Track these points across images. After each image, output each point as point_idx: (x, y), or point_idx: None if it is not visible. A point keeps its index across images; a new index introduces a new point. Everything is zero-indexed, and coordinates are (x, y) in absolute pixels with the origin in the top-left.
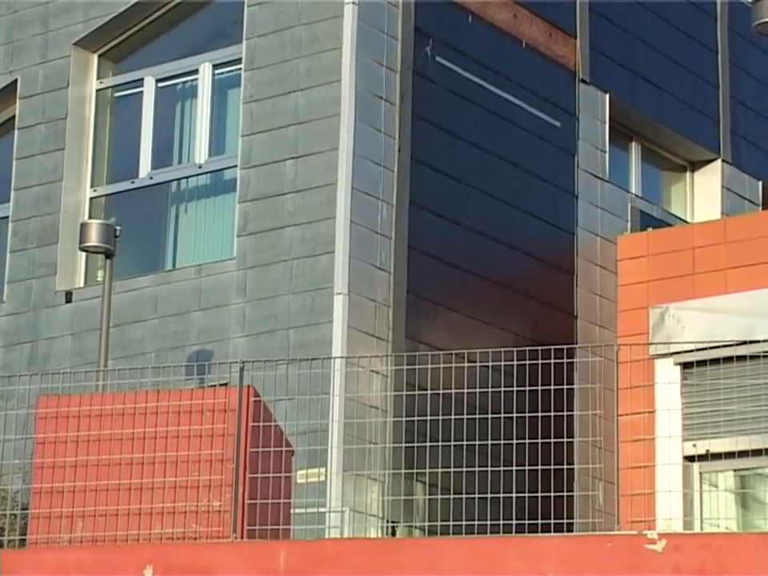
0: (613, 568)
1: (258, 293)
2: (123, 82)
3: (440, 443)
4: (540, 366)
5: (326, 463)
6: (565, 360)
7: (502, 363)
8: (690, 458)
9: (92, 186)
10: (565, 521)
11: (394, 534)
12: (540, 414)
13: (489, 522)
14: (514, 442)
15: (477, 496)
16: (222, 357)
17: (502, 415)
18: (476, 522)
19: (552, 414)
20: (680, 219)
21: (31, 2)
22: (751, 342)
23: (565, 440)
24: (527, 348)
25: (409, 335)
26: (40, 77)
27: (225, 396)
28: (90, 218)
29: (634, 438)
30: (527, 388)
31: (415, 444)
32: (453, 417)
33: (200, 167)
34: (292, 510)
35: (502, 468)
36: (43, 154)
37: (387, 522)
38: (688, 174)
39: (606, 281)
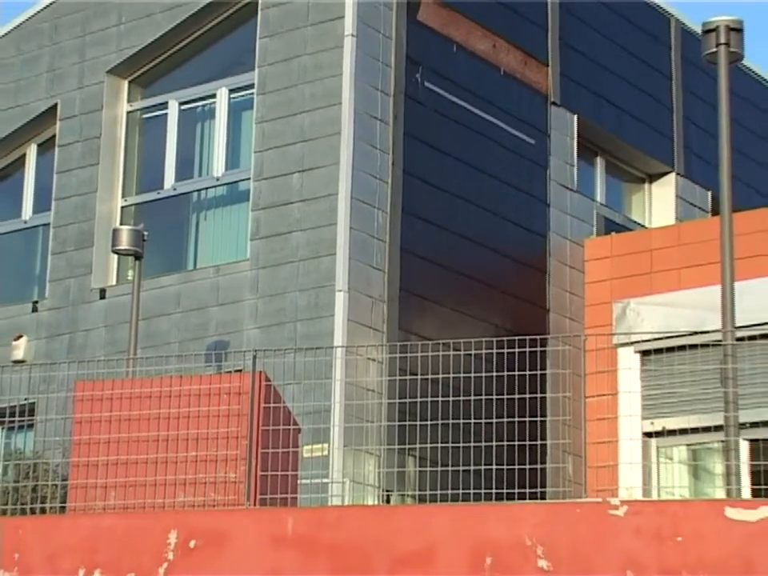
0: (580, 531)
1: (268, 290)
2: (150, 105)
3: (429, 422)
4: (517, 354)
5: (328, 439)
6: (538, 349)
7: (484, 352)
8: (648, 435)
9: (123, 196)
10: (539, 490)
11: (388, 501)
12: (517, 397)
13: (472, 491)
14: (494, 420)
15: (461, 468)
16: (237, 346)
17: (484, 397)
18: (460, 491)
19: (527, 396)
20: (639, 225)
21: (70, 34)
22: (702, 332)
23: (538, 419)
24: (505, 338)
25: (401, 327)
26: (77, 101)
27: (239, 381)
28: (121, 224)
29: (599, 417)
30: (506, 373)
31: (407, 422)
32: (440, 399)
33: (217, 179)
34: (299, 481)
35: (483, 444)
36: (80, 168)
37: (382, 491)
38: (646, 185)
39: (575, 279)
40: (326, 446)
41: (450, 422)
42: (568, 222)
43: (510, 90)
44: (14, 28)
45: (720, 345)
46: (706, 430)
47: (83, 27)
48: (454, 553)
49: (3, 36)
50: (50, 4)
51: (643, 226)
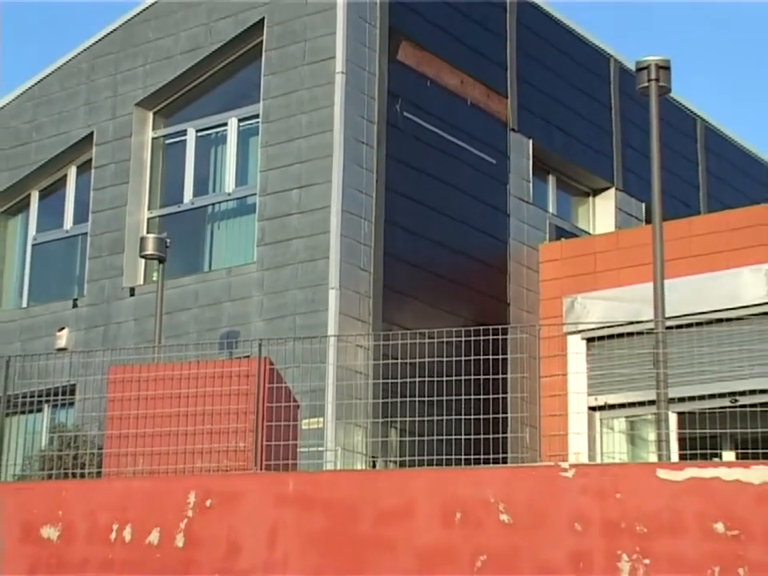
0: (536, 490)
1: (272, 288)
2: (171, 132)
3: (408, 399)
4: (482, 341)
5: (323, 414)
6: (500, 337)
7: (454, 339)
8: (592, 408)
9: (149, 209)
10: (501, 456)
11: (374, 466)
12: (482, 377)
13: (444, 457)
14: (463, 398)
15: (436, 438)
16: (245, 336)
17: (454, 378)
18: (435, 457)
19: (491, 377)
20: (585, 231)
21: (104, 73)
22: (637, 322)
23: (500, 396)
24: (472, 328)
25: (384, 319)
26: (110, 129)
27: (247, 365)
28: (147, 233)
29: (551, 394)
30: (473, 358)
31: (389, 400)
32: (417, 379)
33: (229, 195)
34: (298, 449)
35: (454, 417)
36: (112, 186)
37: (369, 457)
38: (590, 198)
39: (531, 278)
40: (321, 419)
41: (426, 399)
42: (525, 230)
43: (475, 118)
44: (57, 68)
45: (652, 333)
46: (641, 404)
47: (115, 67)
48: (429, 509)
49: (48, 75)
50: (87, 48)
51: (588, 232)
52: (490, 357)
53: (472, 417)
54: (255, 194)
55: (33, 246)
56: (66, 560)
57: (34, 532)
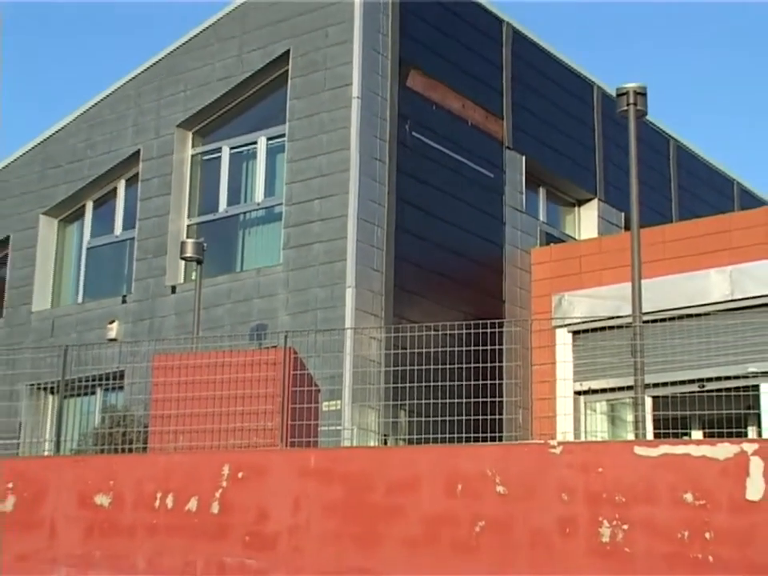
0: (528, 465)
1: (296, 286)
2: (208, 149)
3: (415, 384)
4: (481, 333)
5: (341, 397)
6: (497, 330)
7: (456, 332)
8: (578, 393)
9: (188, 217)
10: (497, 434)
11: (386, 443)
12: (481, 365)
13: (447, 436)
14: (464, 383)
15: (439, 419)
16: (273, 328)
17: (456, 366)
18: (439, 436)
19: (488, 365)
20: (571, 237)
21: (149, 98)
22: (617, 317)
23: (497, 382)
24: (472, 322)
25: (395, 314)
26: (155, 147)
27: (274, 354)
28: (186, 238)
29: (542, 380)
30: (473, 348)
31: (399, 385)
32: (424, 367)
33: (258, 204)
34: (319, 428)
35: (456, 400)
36: (157, 197)
37: (381, 435)
38: (576, 208)
39: (524, 278)
40: (338, 402)
41: (432, 384)
42: (518, 236)
43: (475, 137)
44: (108, 94)
45: (631, 326)
46: (621, 389)
47: (159, 93)
48: (434, 482)
49: (100, 100)
50: (134, 77)
51: (574, 238)
52: (488, 347)
53: (472, 400)
54: (281, 204)
55: (87, 249)
56: (116, 524)
57: (88, 499)
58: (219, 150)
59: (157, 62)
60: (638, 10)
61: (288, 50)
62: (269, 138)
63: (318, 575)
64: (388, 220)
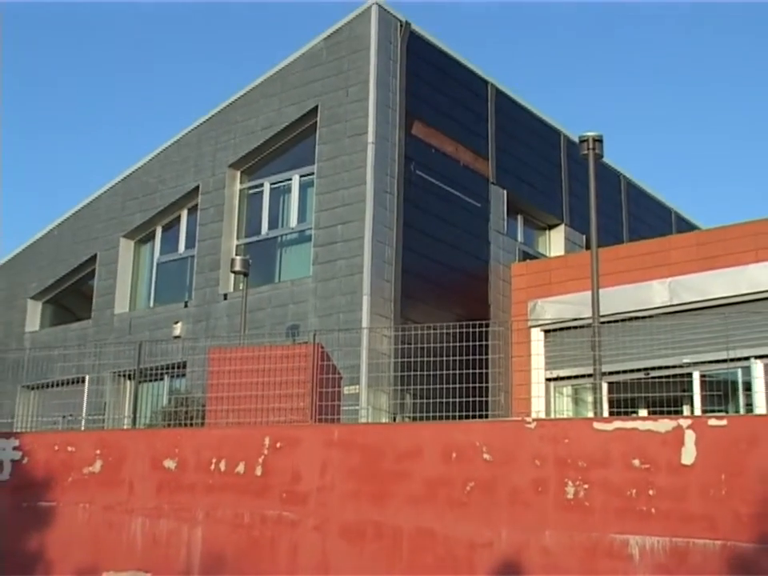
0: (508, 437)
1: (323, 294)
2: (253, 185)
3: (418, 373)
4: (471, 332)
5: (359, 383)
6: (484, 329)
7: (451, 331)
8: (548, 380)
9: (237, 239)
10: (484, 413)
11: (394, 420)
12: (471, 357)
13: (444, 414)
14: (458, 371)
15: (438, 400)
16: (304, 328)
17: (452, 358)
18: (437, 414)
19: (477, 357)
20: (543, 255)
21: (207, 144)
22: (580, 319)
23: (484, 371)
24: (464, 322)
25: (402, 316)
26: (211, 183)
27: (306, 349)
28: (235, 255)
29: (520, 369)
30: (464, 344)
31: (405, 373)
32: (425, 359)
33: (292, 228)
34: (341, 408)
35: (451, 385)
36: (212, 222)
37: (391, 414)
38: (547, 231)
39: (505, 287)
40: (357, 387)
41: (432, 373)
42: (501, 254)
43: (466, 175)
44: (175, 141)
45: (590, 326)
46: (583, 376)
47: (215, 140)
48: (433, 451)
49: (169, 145)
50: (195, 127)
51: (545, 255)
52: (477, 343)
53: (464, 385)
54: (311, 228)
55: (157, 264)
56: (181, 483)
57: (158, 463)
58: (261, 185)
59: (213, 115)
60: (600, 68)
61: (317, 106)
62: (301, 176)
63: (340, 525)
64: (396, 241)
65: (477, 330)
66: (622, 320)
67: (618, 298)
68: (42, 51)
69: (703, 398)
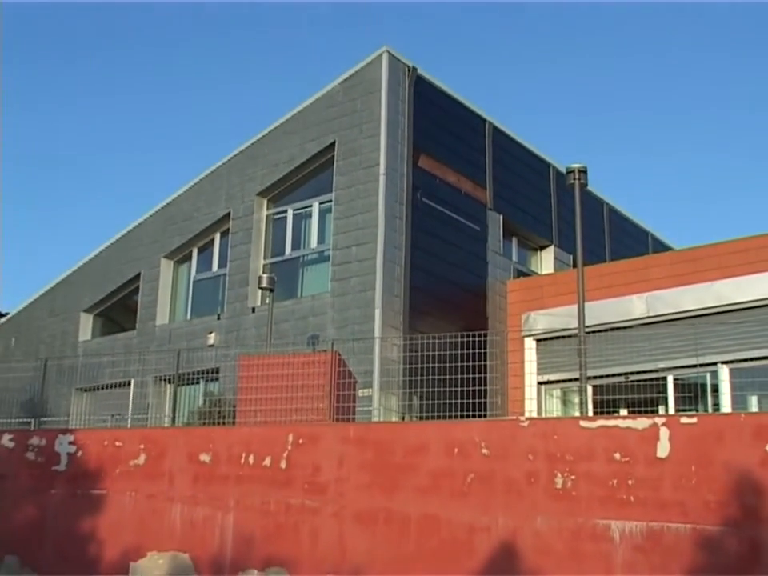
0: (504, 434)
1: (340, 308)
2: (277, 211)
3: (424, 377)
4: (471, 341)
5: (372, 386)
6: (483, 339)
7: (454, 340)
8: (540, 383)
9: (263, 258)
10: (483, 413)
11: (403, 419)
12: (471, 364)
13: (447, 414)
14: (459, 376)
15: (442, 402)
16: (323, 338)
17: (454, 364)
18: (441, 414)
19: (477, 363)
20: (535, 272)
21: (236, 175)
22: (568, 329)
23: (483, 375)
24: (465, 332)
25: (410, 327)
26: (240, 209)
27: (324, 356)
28: (262, 273)
29: (514, 374)
30: (465, 351)
31: (413, 378)
32: (431, 365)
33: (313, 249)
34: (356, 408)
35: (453, 388)
36: (241, 244)
37: (400, 414)
38: (538, 251)
39: (501, 301)
40: (370, 390)
41: (436, 377)
42: (498, 272)
43: (467, 202)
44: (209, 173)
45: (577, 336)
46: (570, 380)
47: (243, 172)
48: (437, 447)
49: (204, 177)
50: (227, 161)
51: (537, 273)
52: (476, 351)
53: (465, 388)
54: (330, 249)
55: (194, 282)
56: (214, 475)
57: (195, 457)
58: (285, 211)
59: (242, 150)
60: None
61: (334, 141)
62: (321, 203)
63: (355, 512)
64: (405, 260)
65: (476, 339)
66: (605, 330)
67: (602, 311)
68: (122, 93)
69: (676, 399)
